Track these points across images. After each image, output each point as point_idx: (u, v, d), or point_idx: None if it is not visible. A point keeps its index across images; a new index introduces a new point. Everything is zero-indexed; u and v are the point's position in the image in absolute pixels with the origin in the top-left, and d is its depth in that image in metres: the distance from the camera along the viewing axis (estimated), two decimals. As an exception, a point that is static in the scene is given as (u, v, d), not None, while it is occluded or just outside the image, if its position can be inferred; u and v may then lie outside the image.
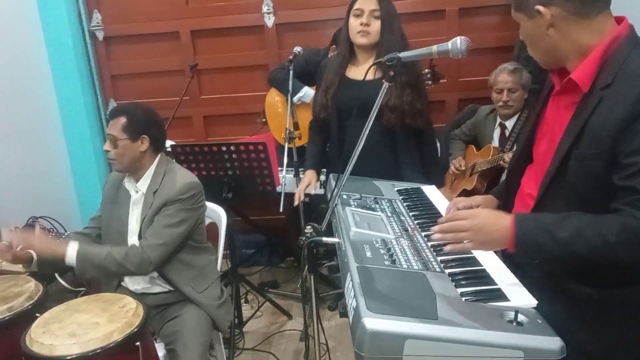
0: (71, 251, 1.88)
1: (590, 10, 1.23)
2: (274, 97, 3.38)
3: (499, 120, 3.02)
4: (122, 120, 2.02)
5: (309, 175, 2.43)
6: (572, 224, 1.19)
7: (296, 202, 2.36)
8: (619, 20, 1.29)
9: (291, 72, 2.86)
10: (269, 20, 3.62)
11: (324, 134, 2.46)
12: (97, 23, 3.71)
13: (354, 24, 2.20)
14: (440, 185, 2.37)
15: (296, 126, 2.86)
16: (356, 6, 2.20)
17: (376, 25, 2.17)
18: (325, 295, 3.29)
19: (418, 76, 2.26)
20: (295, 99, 3.11)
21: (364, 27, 2.17)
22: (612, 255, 1.17)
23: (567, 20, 1.24)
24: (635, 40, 1.26)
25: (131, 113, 2.05)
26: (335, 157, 2.40)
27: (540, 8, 1.24)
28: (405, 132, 2.30)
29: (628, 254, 1.16)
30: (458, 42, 1.44)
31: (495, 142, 3.00)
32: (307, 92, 3.15)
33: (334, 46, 3.23)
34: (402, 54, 1.54)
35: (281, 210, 2.67)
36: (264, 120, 3.43)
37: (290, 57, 2.92)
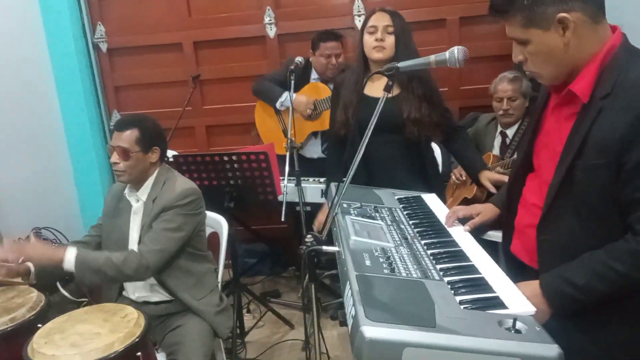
0: (69, 256, 1.86)
1: (600, 12, 1.25)
2: (260, 112, 3.41)
3: (499, 128, 3.02)
4: (135, 132, 2.01)
5: (325, 208, 2.43)
6: (587, 267, 1.24)
7: (315, 229, 2.37)
8: (612, 29, 1.30)
9: (292, 83, 2.88)
10: (271, 31, 3.65)
11: (343, 149, 2.46)
12: (101, 35, 3.75)
13: (369, 40, 2.23)
14: (483, 167, 2.41)
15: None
16: (370, 23, 2.24)
17: (390, 40, 2.21)
18: (327, 305, 3.28)
19: (433, 89, 2.29)
20: (277, 104, 3.21)
21: (379, 43, 2.21)
22: (631, 282, 1.21)
23: (585, 25, 1.23)
24: (631, 50, 1.27)
25: (143, 125, 2.04)
26: (358, 173, 2.42)
27: (565, 15, 1.21)
28: (428, 142, 2.34)
29: None
30: (455, 52, 1.45)
31: (496, 151, 3.01)
32: (288, 97, 3.16)
33: (311, 51, 3.28)
34: (401, 64, 1.55)
35: (282, 219, 2.68)
36: (257, 134, 3.47)
37: (292, 66, 2.94)
